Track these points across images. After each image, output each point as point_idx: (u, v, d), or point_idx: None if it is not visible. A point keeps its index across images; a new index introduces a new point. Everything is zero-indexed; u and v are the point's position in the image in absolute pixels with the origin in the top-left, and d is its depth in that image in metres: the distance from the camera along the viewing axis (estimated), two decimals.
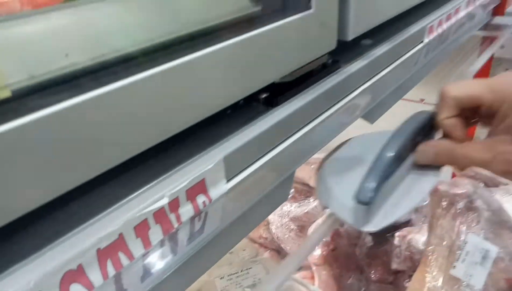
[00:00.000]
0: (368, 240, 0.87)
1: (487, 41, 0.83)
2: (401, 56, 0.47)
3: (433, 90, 0.68)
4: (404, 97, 0.60)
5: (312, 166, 1.04)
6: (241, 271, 0.58)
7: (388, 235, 0.96)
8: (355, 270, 0.81)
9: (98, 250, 0.20)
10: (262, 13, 0.32)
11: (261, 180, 0.32)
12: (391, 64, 0.45)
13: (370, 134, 0.41)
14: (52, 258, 0.19)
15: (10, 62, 0.20)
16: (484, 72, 0.95)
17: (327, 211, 0.36)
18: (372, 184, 0.32)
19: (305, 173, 1.06)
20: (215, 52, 0.26)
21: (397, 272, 0.84)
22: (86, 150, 0.20)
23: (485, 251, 0.64)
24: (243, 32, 0.28)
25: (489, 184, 1.01)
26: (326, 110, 0.36)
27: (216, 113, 0.27)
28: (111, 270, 0.21)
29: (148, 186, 0.23)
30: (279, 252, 1.00)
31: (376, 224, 0.33)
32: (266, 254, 0.94)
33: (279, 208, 1.03)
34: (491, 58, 0.93)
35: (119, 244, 0.21)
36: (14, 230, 0.19)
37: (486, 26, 0.88)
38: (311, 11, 0.31)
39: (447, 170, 0.37)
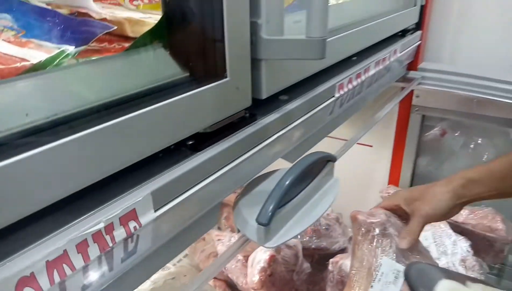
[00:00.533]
0: (306, 267, 0.95)
1: (402, 91, 0.98)
2: (313, 109, 0.57)
3: (359, 129, 0.79)
4: (331, 135, 0.71)
5: None
6: None
7: (327, 262, 1.05)
8: None
9: (47, 262, 0.27)
10: (189, 78, 0.41)
11: (187, 210, 0.40)
12: (303, 115, 0.55)
13: (280, 170, 0.51)
14: (11, 266, 0.25)
15: None
16: (404, 117, 1.10)
17: (240, 233, 0.44)
18: (268, 209, 0.41)
19: None
20: (149, 111, 0.34)
21: None
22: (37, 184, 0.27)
23: (397, 272, 0.74)
24: (175, 94, 0.37)
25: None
26: (243, 154, 0.45)
27: (151, 156, 0.36)
28: (56, 278, 0.28)
29: (89, 213, 0.30)
30: (226, 282, 1.06)
31: (275, 241, 0.42)
32: (212, 283, 0.99)
33: (227, 239, 1.09)
34: (409, 106, 1.08)
35: (63, 257, 0.28)
36: None
37: (403, 79, 1.04)
38: (227, 79, 0.40)
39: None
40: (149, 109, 0.34)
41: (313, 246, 0.95)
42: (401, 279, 0.72)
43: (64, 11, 0.45)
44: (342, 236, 1.01)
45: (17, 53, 0.34)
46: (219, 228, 1.27)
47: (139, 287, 0.42)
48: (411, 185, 1.19)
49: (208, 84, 0.39)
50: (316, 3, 0.41)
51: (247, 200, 0.48)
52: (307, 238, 0.94)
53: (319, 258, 1.05)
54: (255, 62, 0.44)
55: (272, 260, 0.80)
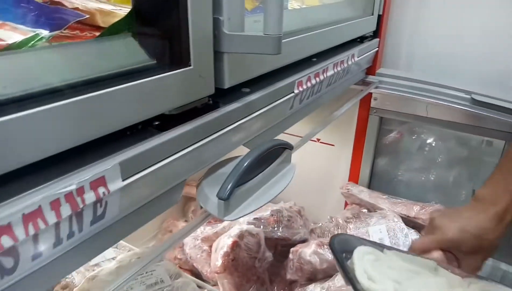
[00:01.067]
0: (269, 256, 1.01)
1: (360, 93, 1.05)
2: (274, 102, 0.63)
3: (315, 127, 0.85)
4: (288, 132, 0.77)
5: None
6: (146, 273, 0.67)
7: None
8: (256, 281, 0.93)
9: (23, 215, 0.31)
10: (155, 65, 0.45)
11: (153, 183, 0.44)
12: (264, 107, 0.60)
13: (237, 157, 0.56)
14: None
15: None
16: (363, 119, 1.18)
17: (203, 209, 0.49)
18: (228, 185, 0.46)
19: None
20: (119, 89, 0.38)
21: (291, 282, 0.98)
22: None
23: None
24: (142, 77, 0.41)
25: (370, 209, 1.21)
26: (208, 136, 0.49)
27: (120, 134, 0.40)
28: (31, 230, 0.31)
29: (63, 176, 0.34)
30: (191, 271, 1.10)
31: (234, 215, 0.47)
32: None
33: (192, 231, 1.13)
34: (368, 108, 1.16)
35: (38, 212, 0.32)
36: None
37: (362, 82, 1.12)
38: (191, 67, 0.45)
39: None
40: (119, 88, 0.38)
41: (275, 236, 1.00)
42: None
43: None
44: (303, 228, 1.07)
45: None
46: (186, 221, 1.31)
47: (105, 266, 0.46)
48: (369, 182, 1.27)
49: (173, 70, 0.44)
50: (273, 4, 0.46)
51: (210, 180, 0.52)
52: (270, 228, 1.00)
53: (281, 249, 1.11)
54: (217, 55, 0.49)
55: (235, 245, 0.85)
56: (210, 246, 1.05)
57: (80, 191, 0.35)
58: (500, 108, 0.96)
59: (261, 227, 0.94)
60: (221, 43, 0.49)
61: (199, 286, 0.81)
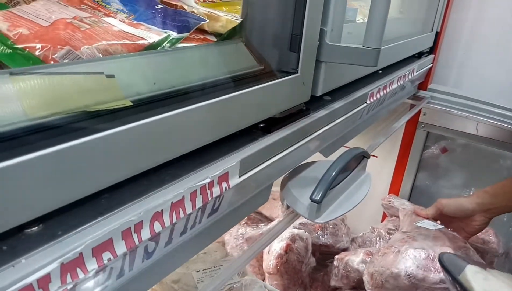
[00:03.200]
0: (312, 261, 1.02)
1: (413, 107, 1.06)
2: (350, 111, 0.65)
3: (370, 140, 0.87)
4: (347, 145, 0.78)
5: None
6: (214, 267, 0.69)
7: (328, 261, 1.12)
8: (301, 284, 0.95)
9: (172, 203, 0.33)
10: (263, 71, 0.48)
11: (253, 183, 0.46)
12: (342, 115, 0.62)
13: (319, 161, 0.58)
14: (150, 201, 0.31)
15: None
16: (410, 132, 1.18)
17: (287, 211, 0.51)
18: (321, 189, 0.48)
19: None
20: (238, 95, 0.41)
21: (335, 289, 0.99)
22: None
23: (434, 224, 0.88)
24: (253, 85, 0.43)
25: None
26: (299, 141, 0.52)
27: (231, 135, 0.42)
28: (174, 218, 0.34)
29: (197, 170, 0.36)
30: None
31: (323, 218, 0.49)
32: None
33: (234, 231, 1.15)
34: (416, 122, 1.17)
35: (181, 202, 0.34)
36: None
37: (414, 97, 1.13)
38: (297, 74, 0.47)
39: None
40: (243, 92, 0.40)
41: (320, 242, 1.02)
42: (439, 226, 0.80)
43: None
44: (346, 236, 1.08)
45: (136, 32, 0.40)
46: None
47: None
48: (410, 196, 1.27)
49: (282, 77, 0.46)
50: (376, 19, 0.48)
51: (295, 182, 0.54)
52: (316, 234, 1.01)
53: (319, 256, 1.12)
54: (317, 64, 0.51)
55: (288, 248, 0.86)
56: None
57: (211, 184, 0.37)
58: None
59: (307, 232, 0.96)
60: (323, 53, 0.51)
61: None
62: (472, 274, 0.55)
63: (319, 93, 0.54)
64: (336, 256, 0.98)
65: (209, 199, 0.37)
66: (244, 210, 0.49)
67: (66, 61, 0.34)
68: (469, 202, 0.79)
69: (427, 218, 0.88)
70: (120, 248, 0.30)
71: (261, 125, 0.47)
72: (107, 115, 0.31)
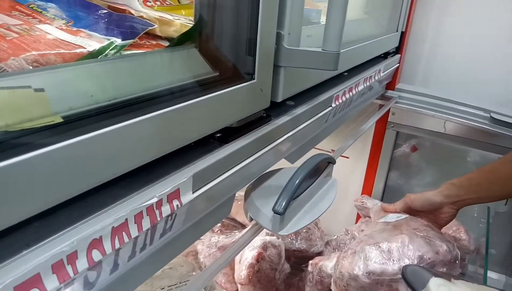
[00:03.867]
0: (287, 267, 1.00)
1: (382, 108, 1.06)
2: (314, 115, 0.63)
3: (340, 142, 0.86)
4: (317, 147, 0.77)
5: (239, 202, 1.17)
6: (180, 283, 0.66)
7: (303, 266, 1.11)
8: None
9: (113, 228, 0.30)
10: (218, 78, 0.45)
11: (212, 196, 0.43)
12: (307, 120, 0.61)
13: (284, 168, 0.56)
14: (86, 228, 0.28)
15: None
16: (380, 132, 1.19)
17: (253, 222, 0.49)
18: (284, 200, 0.45)
19: (232, 208, 1.18)
20: (189, 105, 0.38)
21: None
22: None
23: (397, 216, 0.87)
24: (207, 93, 0.41)
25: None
26: (260, 149, 0.49)
27: (184, 146, 0.39)
28: (116, 244, 0.31)
29: (144, 188, 0.34)
30: None
31: (287, 229, 0.47)
32: None
33: (207, 239, 1.12)
34: (385, 122, 1.17)
35: (124, 225, 0.31)
36: None
37: (382, 97, 1.13)
38: (254, 81, 0.45)
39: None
40: (194, 102, 0.38)
41: (293, 248, 1.00)
42: (402, 216, 0.79)
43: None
44: (320, 240, 1.07)
45: (73, 40, 0.37)
46: None
47: None
48: (383, 196, 1.27)
49: (238, 84, 0.44)
50: (334, 22, 0.47)
51: (258, 192, 0.52)
52: (289, 239, 0.99)
53: (294, 260, 1.11)
54: (276, 68, 0.49)
55: (260, 257, 0.84)
56: None
57: (159, 204, 0.34)
58: None
59: (288, 239, 0.94)
60: (281, 58, 0.49)
61: None
62: (435, 287, 0.54)
63: (279, 99, 0.52)
64: (310, 262, 0.97)
65: (158, 219, 0.34)
66: (205, 224, 0.47)
67: None
68: (436, 195, 0.81)
69: (394, 212, 0.88)
70: (51, 283, 0.27)
71: (218, 135, 0.44)
72: (33, 134, 0.28)
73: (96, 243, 0.29)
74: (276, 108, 0.55)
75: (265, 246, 0.87)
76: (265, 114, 0.51)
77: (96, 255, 0.29)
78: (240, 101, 0.44)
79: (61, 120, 0.30)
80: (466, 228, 1.03)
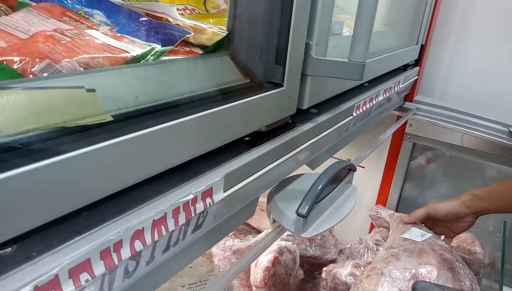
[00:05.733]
0: (300, 273, 1.01)
1: (400, 119, 1.07)
2: (336, 124, 0.65)
3: (357, 152, 0.87)
4: (335, 156, 0.78)
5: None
6: (199, 282, 0.68)
7: (316, 273, 1.12)
8: None
9: (153, 221, 0.32)
10: (249, 84, 0.47)
11: (240, 197, 0.45)
12: (329, 128, 0.62)
13: (306, 174, 0.58)
14: (131, 219, 0.30)
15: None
16: (396, 143, 1.19)
17: (274, 225, 0.50)
18: (307, 203, 0.47)
19: None
20: (223, 109, 0.40)
21: None
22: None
23: (423, 233, 0.89)
24: (239, 98, 0.43)
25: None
26: (286, 154, 0.51)
27: (216, 148, 0.42)
28: (155, 236, 0.33)
29: (180, 186, 0.36)
30: None
31: (310, 232, 0.48)
32: None
33: (222, 243, 1.14)
34: (402, 133, 1.18)
35: (163, 219, 0.33)
36: None
37: (400, 108, 1.14)
38: (283, 88, 0.47)
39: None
40: (229, 106, 0.40)
41: (308, 254, 1.01)
42: (427, 235, 0.80)
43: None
44: (334, 248, 1.07)
45: (118, 45, 0.40)
46: None
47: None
48: (397, 206, 1.28)
49: (268, 91, 0.46)
50: (361, 33, 0.48)
51: (282, 195, 0.54)
52: (304, 245, 1.00)
53: (307, 267, 1.12)
54: (303, 77, 0.51)
55: (276, 261, 0.85)
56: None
57: (194, 200, 0.36)
58: None
59: (295, 244, 0.95)
60: (308, 67, 0.51)
61: None
62: None
63: (305, 107, 0.54)
64: (324, 268, 0.97)
65: (193, 215, 0.37)
66: (230, 224, 0.49)
67: (46, 75, 0.33)
68: (461, 206, 0.84)
69: (415, 223, 0.90)
70: (99, 268, 0.29)
71: (247, 139, 0.46)
72: (86, 131, 0.30)
73: (138, 233, 0.31)
74: (301, 115, 0.57)
75: (280, 251, 0.88)
76: (291, 121, 0.53)
77: (138, 245, 0.31)
78: (269, 107, 0.46)
79: (112, 118, 0.32)
80: (482, 241, 1.03)
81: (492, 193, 0.81)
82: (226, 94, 0.43)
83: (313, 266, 1.11)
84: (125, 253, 0.31)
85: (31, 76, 0.33)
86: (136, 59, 0.39)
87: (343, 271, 0.91)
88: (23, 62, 0.32)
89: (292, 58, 0.47)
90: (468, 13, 1.13)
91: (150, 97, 0.36)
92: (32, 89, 0.30)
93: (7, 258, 0.25)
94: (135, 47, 0.40)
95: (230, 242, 1.13)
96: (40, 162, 0.25)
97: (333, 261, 1.10)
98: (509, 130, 1.02)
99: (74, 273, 0.27)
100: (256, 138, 0.47)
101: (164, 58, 0.43)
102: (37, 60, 0.32)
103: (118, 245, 0.30)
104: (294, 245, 0.95)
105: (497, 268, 1.00)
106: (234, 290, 0.74)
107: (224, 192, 0.41)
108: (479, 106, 1.16)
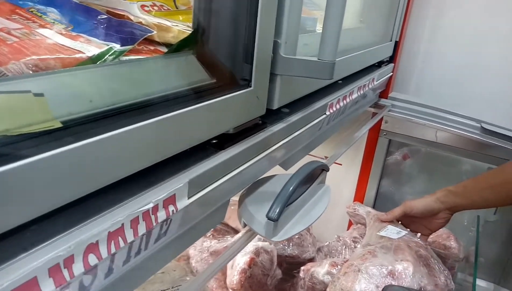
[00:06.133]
0: (278, 273, 1.00)
1: (375, 116, 1.08)
2: (309, 123, 0.64)
3: (333, 149, 0.87)
4: (311, 153, 0.78)
5: (232, 207, 1.17)
6: (172, 288, 0.66)
7: (294, 272, 1.11)
8: None
9: (109, 232, 0.30)
10: (215, 85, 0.46)
11: (207, 202, 0.44)
12: (301, 128, 0.61)
13: (278, 175, 0.57)
14: (84, 232, 0.29)
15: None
16: (372, 139, 1.20)
17: (246, 228, 0.49)
18: (278, 207, 0.46)
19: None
20: (186, 111, 0.38)
21: None
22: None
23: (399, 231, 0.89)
24: (204, 100, 0.41)
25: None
26: (256, 156, 0.50)
27: (181, 152, 0.40)
28: (112, 248, 0.31)
29: (140, 194, 0.34)
30: None
31: (281, 236, 0.47)
32: None
33: (199, 244, 1.12)
34: (378, 130, 1.18)
35: (120, 230, 0.31)
36: None
37: (375, 105, 1.14)
38: (251, 88, 0.46)
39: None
40: (192, 108, 0.38)
41: (285, 254, 1.00)
42: (403, 233, 0.80)
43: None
44: (312, 246, 1.07)
45: (73, 45, 0.38)
46: None
47: None
48: (375, 203, 1.29)
49: (235, 91, 0.44)
50: (330, 31, 0.47)
51: (252, 198, 0.52)
52: (281, 245, 1.00)
53: (286, 266, 1.11)
54: (272, 76, 0.50)
55: (252, 262, 0.84)
56: None
57: (155, 209, 0.35)
58: (509, 139, 0.99)
59: (280, 245, 0.94)
60: (277, 66, 0.49)
61: None
62: None
63: (275, 107, 0.53)
64: (302, 268, 0.97)
65: (154, 224, 0.35)
66: (200, 229, 0.47)
67: None
68: (436, 202, 0.85)
69: (392, 221, 0.90)
70: (47, 286, 0.27)
71: (214, 141, 0.45)
72: (32, 139, 0.28)
73: (92, 247, 0.29)
74: (271, 116, 0.55)
75: (257, 252, 0.87)
76: (260, 121, 0.52)
77: (92, 259, 0.30)
78: (236, 108, 0.45)
79: (61, 125, 0.30)
80: (456, 236, 1.04)
81: (466, 189, 0.82)
82: (190, 96, 0.41)
83: (291, 265, 1.11)
84: (78, 268, 0.29)
85: None
86: (92, 60, 0.36)
87: (320, 270, 0.91)
88: None
89: (260, 58, 0.45)
90: (442, 9, 1.14)
91: (106, 100, 0.34)
92: None
93: None
94: (91, 47, 0.38)
95: (208, 243, 1.11)
96: None
97: (311, 260, 1.10)
98: (481, 126, 1.04)
99: None
100: (224, 141, 0.45)
101: (124, 58, 0.41)
102: None
103: (69, 261, 0.28)
104: (272, 245, 0.94)
105: (471, 262, 1.02)
106: None
107: (189, 198, 0.39)
108: (453, 102, 1.17)
